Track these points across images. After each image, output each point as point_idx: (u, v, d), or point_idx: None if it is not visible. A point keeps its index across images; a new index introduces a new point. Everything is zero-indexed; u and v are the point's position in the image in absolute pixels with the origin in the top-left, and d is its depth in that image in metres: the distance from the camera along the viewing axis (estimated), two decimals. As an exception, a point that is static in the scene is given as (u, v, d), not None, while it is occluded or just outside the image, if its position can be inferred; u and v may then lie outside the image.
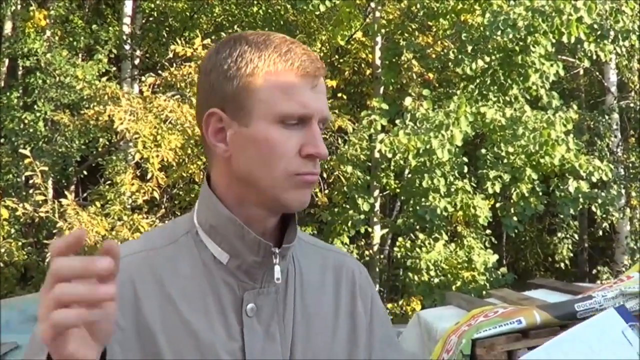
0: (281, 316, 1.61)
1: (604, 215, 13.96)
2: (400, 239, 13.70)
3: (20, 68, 15.18)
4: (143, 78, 12.37)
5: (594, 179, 12.44)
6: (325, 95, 1.62)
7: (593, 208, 13.10)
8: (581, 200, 12.57)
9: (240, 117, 1.56)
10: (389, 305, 13.94)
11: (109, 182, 11.81)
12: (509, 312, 4.33)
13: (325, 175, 13.76)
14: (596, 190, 13.05)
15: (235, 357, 1.55)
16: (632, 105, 15.75)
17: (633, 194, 14.91)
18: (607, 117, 15.37)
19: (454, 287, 11.81)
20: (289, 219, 1.66)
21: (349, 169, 13.15)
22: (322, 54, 16.21)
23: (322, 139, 1.58)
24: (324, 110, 1.59)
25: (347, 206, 13.54)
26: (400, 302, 13.61)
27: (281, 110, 1.53)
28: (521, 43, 12.57)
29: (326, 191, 13.99)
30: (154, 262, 1.59)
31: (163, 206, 12.80)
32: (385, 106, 13.09)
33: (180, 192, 12.95)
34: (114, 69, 14.73)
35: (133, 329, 1.50)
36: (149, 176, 11.26)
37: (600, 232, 15.19)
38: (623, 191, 14.82)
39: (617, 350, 1.67)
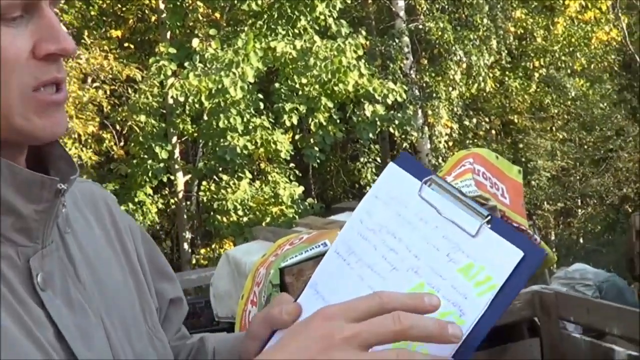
0: (74, 277, 1.23)
1: (403, 136, 14.21)
2: (204, 182, 13.51)
3: None
4: None
5: (389, 102, 12.59)
6: None
7: (391, 130, 13.29)
8: (378, 123, 12.72)
9: None
10: (203, 251, 13.80)
11: None
12: (313, 237, 4.24)
13: (118, 127, 13.33)
14: (392, 112, 13.22)
15: (56, 348, 1.14)
16: (421, 27, 15.98)
17: (429, 112, 15.21)
18: (397, 40, 15.54)
19: (263, 224, 11.74)
20: (42, 152, 1.25)
21: (143, 118, 12.74)
22: (105, 5, 15.59)
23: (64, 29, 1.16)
24: None
25: (146, 156, 13.13)
26: (213, 246, 13.47)
27: None
28: (305, -26, 12.49)
29: (122, 144, 13.58)
30: None
31: None
32: (173, 50, 12.73)
33: None
34: None
35: None
36: None
37: (402, 153, 15.39)
38: (420, 111, 15.11)
39: (423, 225, 1.22)
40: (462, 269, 1.14)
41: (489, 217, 1.14)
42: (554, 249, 17.50)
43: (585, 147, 18.07)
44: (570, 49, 17.19)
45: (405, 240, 1.22)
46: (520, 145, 18.13)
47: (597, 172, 17.37)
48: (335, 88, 12.08)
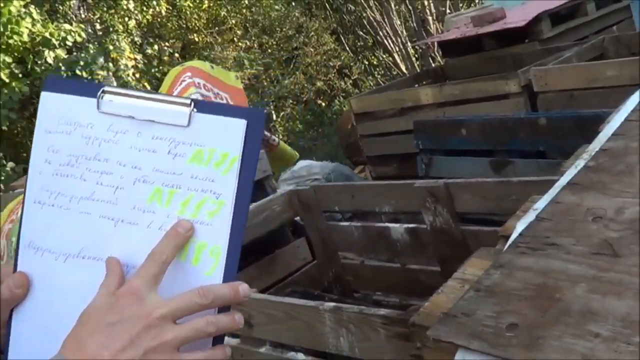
0: None
1: (90, 77, 13.70)
2: None
3: None
4: None
5: (69, 44, 12.07)
6: None
7: (78, 72, 12.76)
8: (63, 68, 12.15)
9: None
10: None
11: None
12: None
13: None
14: (75, 54, 12.70)
15: None
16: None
17: (111, 47, 14.74)
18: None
19: None
20: None
21: None
22: None
23: None
24: None
25: None
26: None
27: None
28: None
29: None
30: None
31: None
32: None
33: None
34: None
35: None
36: None
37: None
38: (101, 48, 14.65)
39: (123, 137, 1.13)
40: (193, 159, 1.09)
41: (193, 103, 1.09)
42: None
43: (270, 50, 18.20)
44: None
45: (112, 158, 1.12)
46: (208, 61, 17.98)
47: (288, 72, 17.57)
48: (10, 41, 11.34)
